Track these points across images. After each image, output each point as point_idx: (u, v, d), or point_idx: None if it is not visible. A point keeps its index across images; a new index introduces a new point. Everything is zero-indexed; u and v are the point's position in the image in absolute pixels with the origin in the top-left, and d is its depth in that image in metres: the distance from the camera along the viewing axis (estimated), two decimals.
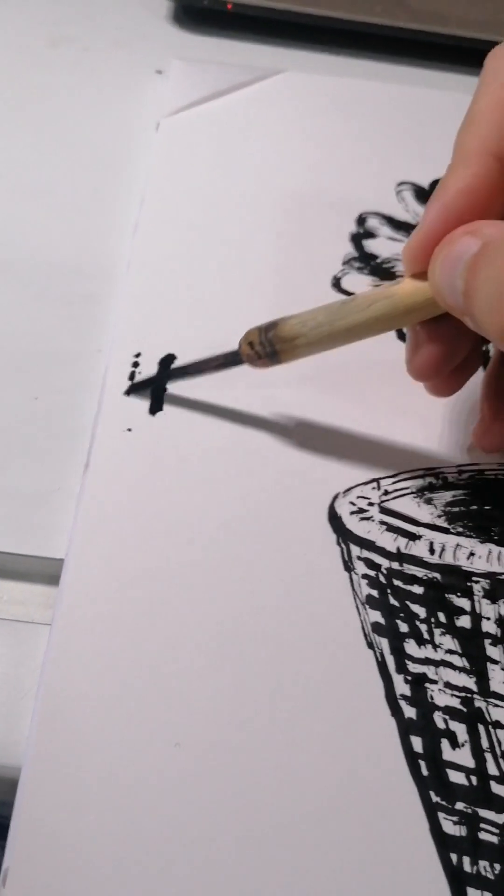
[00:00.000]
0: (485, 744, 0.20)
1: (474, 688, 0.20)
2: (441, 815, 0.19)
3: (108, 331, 0.26)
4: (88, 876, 0.18)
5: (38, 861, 0.18)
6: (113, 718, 0.19)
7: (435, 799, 0.19)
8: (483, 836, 0.19)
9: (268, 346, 0.22)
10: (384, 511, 0.23)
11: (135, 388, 0.24)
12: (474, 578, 0.22)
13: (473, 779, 0.19)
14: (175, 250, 0.28)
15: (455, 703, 0.20)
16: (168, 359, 0.25)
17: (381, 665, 0.20)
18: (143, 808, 0.18)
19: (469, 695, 0.20)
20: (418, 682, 0.20)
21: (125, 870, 0.18)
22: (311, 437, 0.24)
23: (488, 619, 0.21)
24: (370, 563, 0.22)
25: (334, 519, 0.22)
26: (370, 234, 0.29)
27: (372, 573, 0.22)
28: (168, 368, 0.24)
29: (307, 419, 0.24)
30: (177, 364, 0.24)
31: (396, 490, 0.23)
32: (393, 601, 0.21)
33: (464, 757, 0.19)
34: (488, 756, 0.19)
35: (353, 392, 0.25)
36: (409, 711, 0.20)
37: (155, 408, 0.24)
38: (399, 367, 0.25)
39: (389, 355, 0.26)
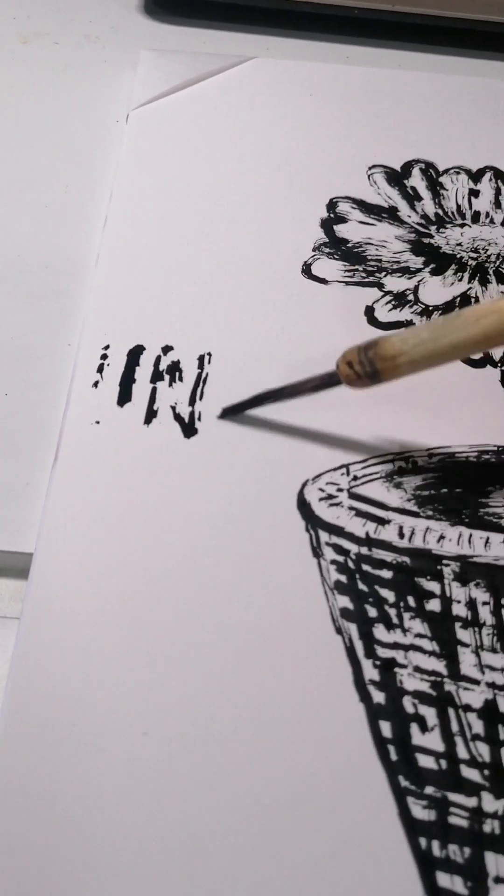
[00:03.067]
0: (455, 727, 0.19)
1: (444, 671, 0.20)
2: (410, 799, 0.19)
3: (78, 325, 0.26)
4: (60, 867, 0.18)
5: (8, 856, 0.18)
6: (81, 710, 0.19)
7: (404, 784, 0.19)
8: (453, 820, 0.18)
9: (368, 366, 0.21)
10: (353, 496, 0.22)
11: (227, 412, 0.23)
12: (444, 561, 0.21)
13: (443, 763, 0.19)
14: (144, 243, 0.28)
15: (425, 687, 0.20)
16: (136, 350, 0.25)
17: (350, 650, 0.20)
18: (113, 796, 0.18)
19: (439, 678, 0.20)
20: (387, 666, 0.20)
21: (96, 860, 0.18)
22: (279, 424, 0.24)
23: (458, 602, 0.21)
24: (339, 549, 0.22)
25: (303, 505, 0.22)
26: (341, 219, 0.29)
27: (340, 559, 0.21)
28: (262, 393, 0.23)
29: (275, 406, 0.24)
30: (273, 387, 0.23)
31: (366, 475, 0.23)
32: (362, 586, 0.21)
33: (433, 741, 0.19)
34: (458, 740, 0.19)
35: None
36: (378, 696, 0.20)
37: (123, 399, 0.24)
38: None
39: (359, 340, 0.26)
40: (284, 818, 0.18)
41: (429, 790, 0.19)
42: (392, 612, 0.21)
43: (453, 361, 0.21)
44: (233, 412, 0.24)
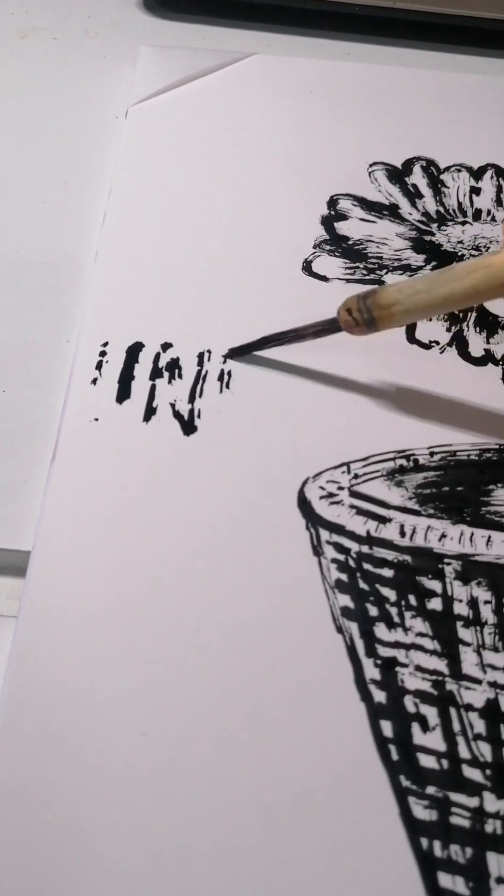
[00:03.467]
0: (456, 727, 0.19)
1: (446, 671, 0.20)
2: (411, 799, 0.19)
3: (77, 322, 0.26)
4: (57, 866, 0.18)
5: (5, 855, 0.18)
6: (79, 709, 0.19)
7: (405, 783, 0.19)
8: (454, 820, 0.18)
9: (365, 313, 0.22)
10: (354, 495, 0.22)
11: (232, 353, 0.24)
12: (446, 560, 0.21)
13: (445, 763, 0.19)
14: (143, 239, 0.27)
15: (426, 686, 0.20)
16: (135, 347, 0.25)
17: (351, 649, 0.20)
18: (111, 796, 0.18)
19: (440, 678, 0.20)
20: (388, 665, 0.20)
21: (94, 860, 0.18)
22: (280, 423, 0.24)
23: (460, 600, 0.21)
24: (339, 548, 0.21)
25: (304, 504, 0.22)
26: (342, 216, 0.29)
27: (341, 557, 0.21)
28: (267, 336, 0.24)
29: (276, 404, 0.24)
30: (276, 332, 0.24)
31: (367, 473, 0.23)
32: (362, 585, 0.21)
33: (435, 741, 0.19)
34: (460, 739, 0.19)
35: (322, 376, 0.25)
36: (379, 696, 0.20)
37: (122, 396, 0.24)
38: (369, 349, 0.25)
39: (361, 339, 0.26)
40: (285, 818, 0.18)
41: (430, 790, 0.19)
42: (393, 610, 0.21)
43: (445, 312, 0.22)
44: (239, 353, 0.25)
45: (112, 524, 0.22)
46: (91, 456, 0.23)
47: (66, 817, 0.18)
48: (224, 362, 0.24)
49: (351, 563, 0.21)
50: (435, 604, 0.21)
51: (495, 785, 0.19)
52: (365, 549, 0.21)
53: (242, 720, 0.19)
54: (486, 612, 0.21)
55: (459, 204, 0.29)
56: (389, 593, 0.21)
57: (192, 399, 0.24)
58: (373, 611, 0.21)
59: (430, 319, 0.25)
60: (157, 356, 0.25)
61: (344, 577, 0.21)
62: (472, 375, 0.25)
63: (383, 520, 0.22)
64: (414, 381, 0.25)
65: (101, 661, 0.20)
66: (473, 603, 0.21)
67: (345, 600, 0.21)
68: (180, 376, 0.24)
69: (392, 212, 0.29)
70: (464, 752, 0.19)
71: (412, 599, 0.21)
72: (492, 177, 0.30)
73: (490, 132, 0.31)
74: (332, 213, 0.29)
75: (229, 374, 0.24)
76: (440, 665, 0.20)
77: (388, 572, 0.21)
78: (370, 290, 0.23)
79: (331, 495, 0.22)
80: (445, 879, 0.18)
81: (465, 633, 0.20)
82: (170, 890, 0.17)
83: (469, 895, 0.18)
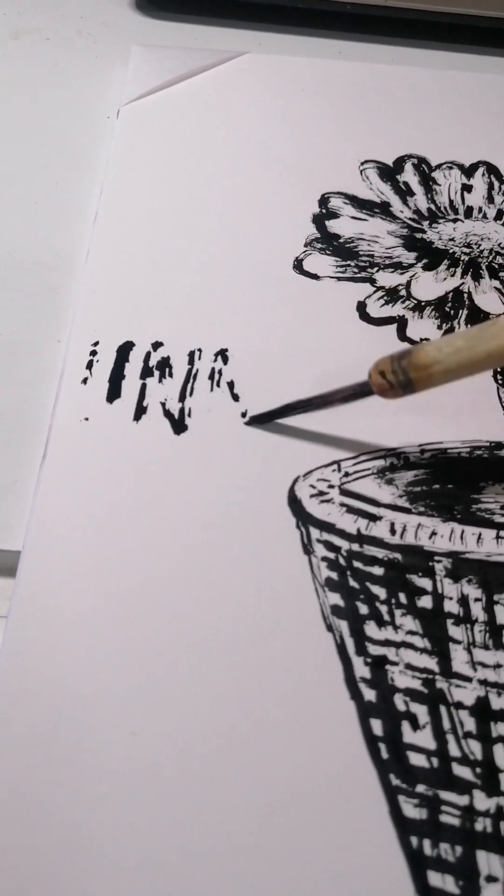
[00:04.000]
0: (446, 725, 0.19)
1: (436, 669, 0.20)
2: (401, 798, 0.18)
3: (68, 321, 0.26)
4: (47, 866, 0.17)
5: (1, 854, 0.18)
6: (69, 709, 0.19)
7: (395, 782, 0.19)
8: (444, 818, 0.18)
9: (401, 376, 0.21)
10: (344, 493, 0.22)
11: (255, 420, 0.23)
12: (436, 558, 0.21)
13: (434, 761, 0.19)
14: (135, 239, 0.27)
15: (416, 684, 0.20)
16: (126, 346, 0.25)
17: (341, 648, 0.20)
18: (100, 795, 0.18)
19: (431, 676, 0.20)
20: (378, 664, 0.20)
21: (83, 858, 0.17)
22: (270, 421, 0.24)
23: (450, 598, 0.21)
24: (330, 546, 0.21)
25: (294, 502, 0.22)
26: (333, 214, 0.29)
27: (331, 555, 0.21)
28: (292, 403, 0.23)
29: (266, 402, 0.24)
30: (302, 398, 0.23)
31: (357, 472, 0.23)
32: (353, 583, 0.21)
33: (425, 739, 0.19)
34: (450, 738, 0.19)
35: (313, 374, 0.25)
36: (369, 694, 0.20)
37: (113, 395, 0.24)
38: (359, 348, 0.25)
39: (350, 336, 0.26)
40: (274, 817, 0.18)
41: (420, 788, 0.19)
42: (383, 608, 0.21)
43: (488, 370, 0.21)
44: (261, 420, 0.23)
45: (102, 524, 0.22)
46: (81, 456, 0.23)
47: (56, 816, 0.18)
48: (248, 420, 0.23)
49: (341, 561, 0.21)
50: (425, 602, 0.21)
51: (485, 783, 0.19)
52: (355, 547, 0.21)
53: (232, 719, 0.19)
54: (477, 610, 0.21)
55: (451, 201, 0.29)
56: (379, 591, 0.21)
57: (182, 398, 0.24)
58: (363, 609, 0.21)
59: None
60: (148, 355, 0.25)
61: (334, 575, 0.21)
62: None
63: (374, 518, 0.22)
64: None
65: (91, 660, 0.20)
66: (464, 600, 0.21)
67: (335, 598, 0.21)
68: (171, 375, 0.24)
69: (383, 210, 0.29)
70: (454, 751, 0.19)
71: (402, 597, 0.21)
72: (483, 174, 0.30)
73: (482, 130, 0.31)
74: (324, 211, 0.29)
75: (220, 372, 0.24)
76: (430, 663, 0.20)
77: (378, 570, 0.21)
78: (405, 351, 0.21)
79: (321, 493, 0.22)
80: (435, 878, 0.18)
81: (455, 631, 0.20)
82: (160, 888, 0.17)
83: (459, 894, 0.17)
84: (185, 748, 0.19)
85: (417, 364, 0.21)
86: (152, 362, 0.25)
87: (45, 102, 0.33)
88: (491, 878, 0.18)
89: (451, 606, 0.21)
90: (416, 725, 0.19)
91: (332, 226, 0.28)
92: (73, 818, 0.18)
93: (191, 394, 0.24)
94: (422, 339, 0.26)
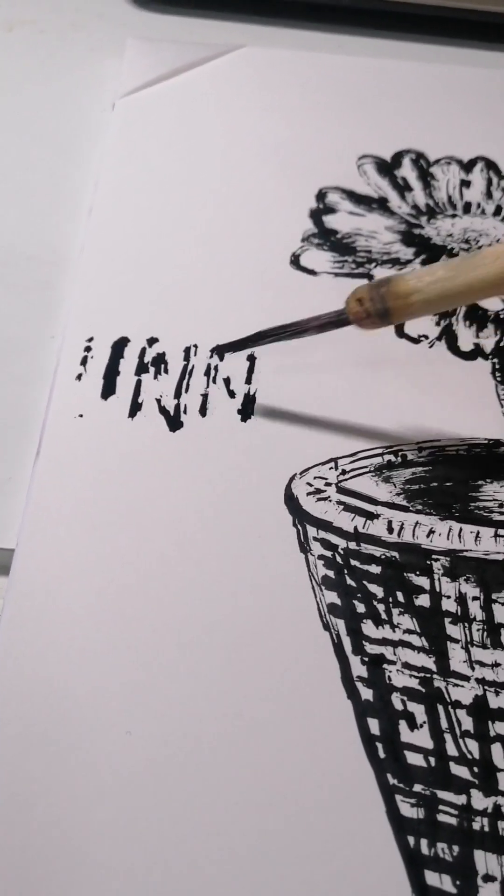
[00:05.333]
0: (444, 724, 0.19)
1: (434, 668, 0.20)
2: (398, 797, 0.18)
3: (62, 317, 0.26)
4: (40, 865, 0.17)
5: None
6: (63, 708, 0.19)
7: (392, 781, 0.18)
8: (441, 818, 0.18)
9: (379, 303, 0.20)
10: (342, 491, 0.22)
11: (220, 349, 0.22)
12: (434, 556, 0.21)
13: (432, 760, 0.19)
14: (130, 233, 0.27)
15: (414, 683, 0.20)
16: (121, 342, 0.25)
17: (338, 647, 0.20)
18: (95, 795, 0.18)
19: (428, 675, 0.20)
20: (376, 663, 0.20)
21: (77, 859, 0.17)
22: (267, 419, 0.23)
23: (448, 597, 0.21)
24: (327, 544, 0.21)
25: (290, 500, 0.22)
26: (330, 210, 0.28)
27: (328, 554, 0.21)
28: (264, 330, 0.22)
29: (263, 400, 0.24)
30: (276, 325, 0.22)
31: (354, 469, 0.23)
32: (350, 581, 0.21)
33: (422, 738, 0.19)
34: (448, 737, 0.19)
35: (310, 372, 0.24)
36: (366, 693, 0.19)
37: (107, 392, 0.24)
38: (357, 344, 0.25)
39: (347, 332, 0.25)
40: (270, 817, 0.18)
41: (417, 788, 0.18)
42: (381, 607, 0.20)
43: (469, 302, 0.20)
44: (228, 349, 0.22)
45: (97, 522, 0.21)
46: (76, 453, 0.22)
47: (50, 816, 0.18)
48: (211, 356, 0.23)
49: (338, 559, 0.21)
50: (423, 600, 0.20)
51: (483, 782, 0.18)
52: (352, 545, 0.21)
53: (228, 718, 0.19)
54: (475, 609, 0.20)
55: (449, 197, 0.29)
56: (377, 590, 0.21)
57: (178, 394, 0.24)
58: (360, 608, 0.20)
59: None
60: (143, 351, 0.24)
61: (331, 573, 0.21)
62: (462, 370, 0.25)
63: (371, 516, 0.22)
64: (403, 375, 0.24)
65: (86, 659, 0.19)
66: (462, 599, 0.21)
67: (332, 597, 0.21)
68: (166, 371, 0.24)
69: (381, 205, 0.29)
70: (451, 750, 0.19)
71: (400, 596, 0.21)
72: (482, 169, 0.30)
73: (481, 124, 0.31)
74: (321, 206, 0.28)
75: (216, 368, 0.24)
76: (428, 662, 0.20)
77: (375, 569, 0.21)
78: (384, 279, 0.21)
79: (318, 491, 0.22)
80: (432, 878, 0.18)
81: (453, 630, 0.20)
82: (155, 887, 0.17)
83: (456, 893, 0.17)
84: (180, 747, 0.19)
85: (397, 292, 0.20)
86: (147, 358, 0.24)
87: (39, 95, 0.32)
88: (488, 878, 0.18)
89: (448, 605, 0.20)
90: (413, 725, 0.19)
91: (330, 221, 0.28)
92: (68, 818, 0.18)
93: (186, 390, 0.24)
94: (420, 336, 0.26)
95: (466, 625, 0.20)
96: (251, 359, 0.24)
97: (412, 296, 0.20)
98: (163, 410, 0.23)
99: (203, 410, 0.23)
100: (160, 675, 0.19)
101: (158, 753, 0.19)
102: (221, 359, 0.22)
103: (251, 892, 0.17)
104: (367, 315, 0.21)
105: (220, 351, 0.22)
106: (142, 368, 0.24)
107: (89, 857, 0.17)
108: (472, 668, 0.20)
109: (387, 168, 0.30)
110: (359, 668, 0.20)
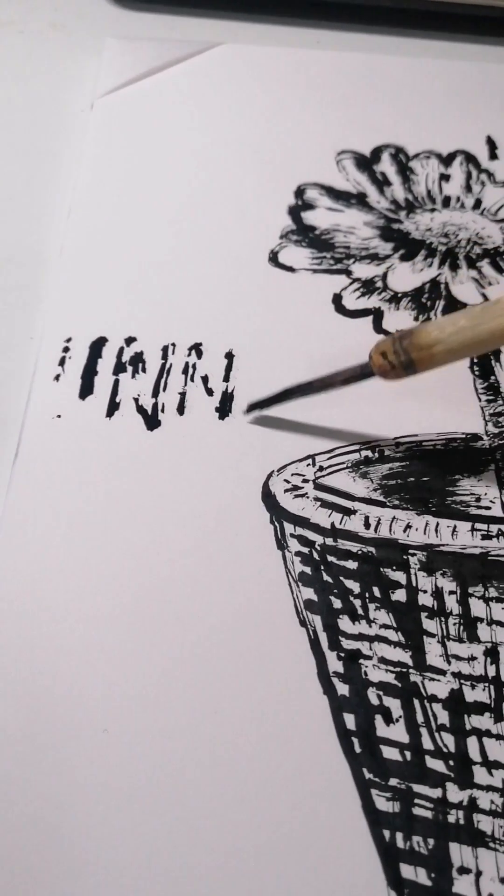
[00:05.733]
0: (420, 718, 0.19)
1: (410, 662, 0.20)
2: (374, 791, 0.18)
3: (40, 318, 0.26)
4: (18, 864, 0.18)
5: None
6: (41, 707, 0.19)
7: (368, 776, 0.19)
8: (417, 811, 0.18)
9: (403, 356, 0.21)
10: (319, 487, 0.22)
11: (254, 407, 0.23)
12: (411, 551, 0.21)
13: (408, 754, 0.19)
14: (109, 233, 0.27)
15: (390, 678, 0.20)
16: (99, 342, 0.25)
17: (314, 642, 0.20)
18: (73, 793, 0.18)
19: (405, 669, 0.20)
20: (352, 658, 0.20)
21: (54, 856, 0.17)
22: (245, 416, 0.23)
23: (425, 591, 0.21)
24: (303, 540, 0.21)
25: (268, 497, 0.22)
26: (309, 206, 0.28)
27: (305, 550, 0.21)
28: (291, 387, 0.23)
29: (241, 397, 0.24)
30: (302, 381, 0.23)
31: (332, 465, 0.23)
32: (326, 577, 0.21)
33: (398, 733, 0.19)
34: (423, 731, 0.19)
35: (287, 369, 0.24)
36: (342, 689, 0.19)
37: (85, 392, 0.24)
38: (335, 341, 0.25)
39: (326, 329, 0.25)
40: (246, 812, 0.18)
41: (393, 782, 0.19)
42: (357, 603, 0.20)
43: (491, 350, 0.20)
44: (260, 407, 0.23)
45: (75, 522, 0.21)
46: (54, 453, 0.22)
47: (28, 814, 0.18)
48: (246, 412, 0.23)
49: (315, 555, 0.21)
50: (399, 595, 0.21)
51: (458, 776, 0.19)
52: (329, 541, 0.21)
53: (205, 714, 0.19)
54: (451, 603, 0.20)
55: (428, 191, 0.29)
56: (353, 585, 0.21)
57: (155, 393, 0.24)
58: (336, 603, 0.21)
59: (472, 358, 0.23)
60: (121, 350, 0.24)
61: (308, 569, 0.21)
62: None
63: (348, 512, 0.22)
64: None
65: (63, 659, 0.20)
66: (438, 593, 0.21)
67: (308, 593, 0.21)
68: (144, 370, 0.24)
69: (360, 200, 0.29)
70: (427, 744, 0.19)
71: (376, 591, 0.21)
72: (461, 163, 0.30)
73: (460, 118, 0.31)
74: (300, 202, 0.28)
75: (194, 367, 0.24)
76: (404, 657, 0.20)
77: (352, 564, 0.21)
78: (406, 331, 0.21)
79: (295, 488, 0.22)
80: (408, 870, 0.18)
81: (429, 624, 0.20)
82: (132, 883, 0.17)
83: (431, 886, 0.18)
84: (157, 745, 0.19)
85: (419, 344, 0.21)
86: (125, 357, 0.24)
87: (17, 95, 0.32)
88: (464, 870, 0.18)
89: (425, 600, 0.21)
90: (389, 719, 0.19)
91: (308, 217, 0.28)
92: (45, 815, 0.18)
93: (164, 389, 0.24)
94: (397, 331, 0.26)
95: (443, 619, 0.20)
96: (229, 356, 0.25)
97: (435, 346, 0.20)
98: (140, 409, 0.23)
99: (181, 409, 0.24)
100: (137, 674, 0.19)
101: (135, 751, 0.19)
102: (250, 412, 0.23)
103: (226, 885, 0.17)
104: (392, 367, 0.21)
105: (252, 409, 0.23)
106: (120, 368, 0.24)
107: (67, 853, 0.18)
108: (449, 662, 0.20)
109: (366, 163, 0.30)
110: (335, 664, 0.20)
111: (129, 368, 0.24)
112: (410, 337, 0.21)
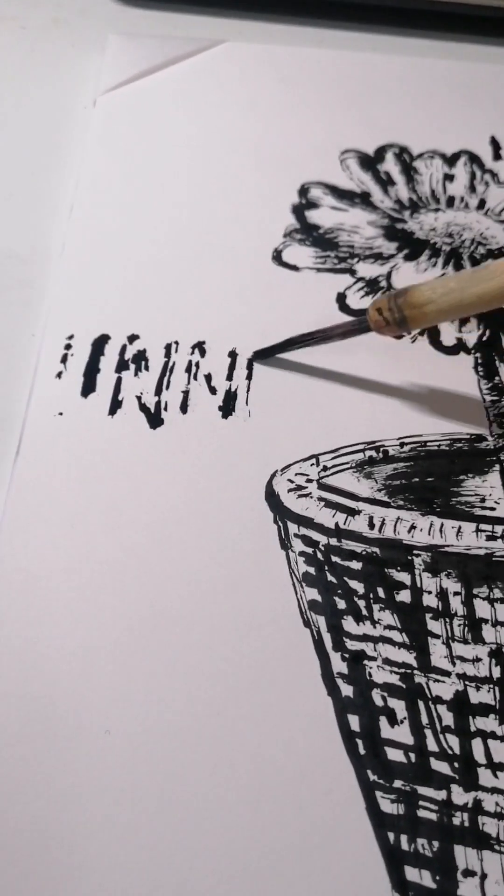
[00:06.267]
0: (424, 720, 0.19)
1: (414, 663, 0.20)
2: (378, 793, 0.18)
3: (42, 315, 0.26)
4: (19, 865, 0.17)
5: None
6: (42, 708, 0.19)
7: (372, 778, 0.18)
8: (422, 813, 0.18)
9: (397, 313, 0.22)
10: (323, 487, 0.22)
11: (258, 355, 0.24)
12: (415, 552, 0.21)
13: (412, 756, 0.19)
14: (111, 230, 0.27)
15: (394, 679, 0.20)
16: (101, 340, 0.25)
17: (318, 643, 0.20)
18: (74, 794, 0.18)
19: (409, 671, 0.20)
20: (356, 659, 0.20)
21: (58, 857, 0.17)
22: (248, 416, 0.23)
23: (429, 592, 0.21)
24: (307, 541, 0.21)
25: (272, 497, 0.22)
26: (313, 205, 0.28)
27: (309, 550, 0.21)
28: (293, 337, 0.24)
29: (244, 396, 0.24)
30: (300, 333, 0.24)
31: (336, 465, 0.22)
32: (330, 578, 0.21)
33: (402, 734, 0.19)
34: (428, 732, 0.19)
35: (291, 368, 0.24)
36: (347, 690, 0.19)
37: (87, 389, 0.24)
38: (340, 341, 0.24)
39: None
40: (249, 814, 0.18)
41: (398, 784, 0.18)
42: (361, 603, 0.20)
43: (478, 311, 0.22)
44: (263, 355, 0.24)
45: (77, 520, 0.21)
46: (55, 451, 0.22)
47: (29, 814, 0.18)
48: (248, 365, 0.24)
49: (319, 556, 0.21)
50: (404, 596, 0.20)
51: (463, 777, 0.18)
52: (333, 541, 0.21)
53: (208, 715, 0.19)
54: (456, 604, 0.20)
55: (432, 191, 0.29)
56: (358, 586, 0.21)
57: (158, 391, 0.24)
58: (341, 604, 0.20)
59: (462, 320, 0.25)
60: (124, 348, 0.24)
61: (312, 570, 0.21)
62: (444, 364, 0.25)
63: (352, 512, 0.22)
64: (385, 371, 0.24)
65: (65, 659, 0.19)
66: (443, 594, 0.20)
67: (312, 594, 0.20)
68: (147, 368, 0.24)
69: (364, 200, 0.29)
70: (432, 745, 0.19)
71: (381, 592, 0.20)
72: (465, 163, 0.30)
73: (464, 118, 0.31)
74: (303, 201, 0.28)
75: (197, 365, 0.24)
76: (409, 658, 0.20)
77: (356, 565, 0.21)
78: (401, 290, 0.22)
79: (299, 488, 0.22)
80: (412, 873, 0.18)
81: (434, 626, 0.20)
82: (133, 884, 0.17)
83: (436, 889, 0.17)
84: (159, 746, 0.19)
85: (412, 302, 0.22)
86: (128, 355, 0.24)
87: (20, 92, 0.32)
88: (468, 873, 0.18)
89: (429, 600, 0.20)
90: (393, 721, 0.19)
91: (312, 216, 0.28)
92: (47, 816, 0.18)
93: (167, 387, 0.24)
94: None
95: (447, 620, 0.20)
96: (232, 355, 0.25)
97: (427, 306, 0.22)
98: (143, 408, 0.23)
99: (184, 407, 0.23)
100: (140, 674, 0.19)
101: (137, 752, 0.18)
102: (249, 364, 0.24)
103: (230, 887, 0.17)
104: (387, 323, 0.23)
105: (254, 358, 0.24)
106: (122, 366, 0.24)
107: (67, 854, 0.17)
108: (453, 664, 0.20)
109: (370, 162, 0.30)
110: (339, 665, 0.20)
111: (132, 366, 0.24)
112: (405, 296, 0.22)
